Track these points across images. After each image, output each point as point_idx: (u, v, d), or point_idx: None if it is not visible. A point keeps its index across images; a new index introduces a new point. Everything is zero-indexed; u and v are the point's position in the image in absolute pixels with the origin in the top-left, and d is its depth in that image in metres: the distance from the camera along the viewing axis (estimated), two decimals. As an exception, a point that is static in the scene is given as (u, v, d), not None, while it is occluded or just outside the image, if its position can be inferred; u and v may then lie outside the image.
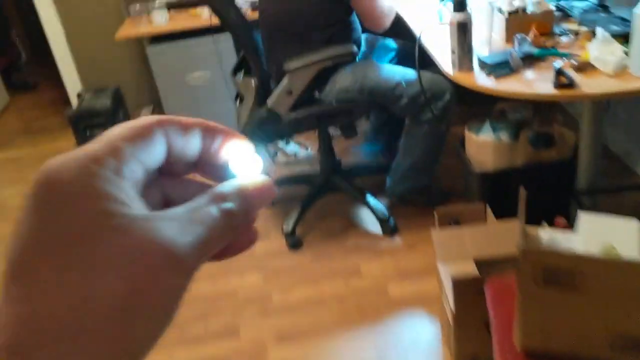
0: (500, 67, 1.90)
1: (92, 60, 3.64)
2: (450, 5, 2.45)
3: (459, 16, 1.87)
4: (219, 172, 0.32)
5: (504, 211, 2.12)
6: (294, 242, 2.56)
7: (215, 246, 0.28)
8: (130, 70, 3.63)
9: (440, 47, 2.19)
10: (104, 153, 0.26)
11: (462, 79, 1.92)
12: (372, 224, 2.59)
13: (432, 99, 2.37)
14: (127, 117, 3.71)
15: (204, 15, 3.06)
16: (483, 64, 1.93)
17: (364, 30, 2.52)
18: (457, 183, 2.77)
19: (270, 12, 2.42)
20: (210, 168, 0.32)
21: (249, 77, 2.39)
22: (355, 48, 2.36)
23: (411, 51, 2.87)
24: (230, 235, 0.29)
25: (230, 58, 3.07)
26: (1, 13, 5.11)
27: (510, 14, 2.07)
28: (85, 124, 3.47)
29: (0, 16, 5.08)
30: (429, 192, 2.67)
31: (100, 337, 0.24)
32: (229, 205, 0.29)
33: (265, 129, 2.40)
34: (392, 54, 2.76)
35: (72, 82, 3.74)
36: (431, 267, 2.30)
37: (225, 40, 3.06)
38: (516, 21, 2.08)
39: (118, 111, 3.69)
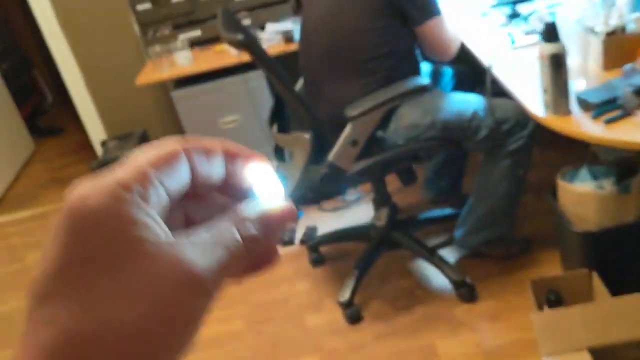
0: (608, 107, 1.49)
1: (114, 106, 3.35)
2: (523, 27, 2.05)
3: (551, 48, 1.47)
4: (242, 194, 0.32)
5: (614, 279, 1.71)
6: (353, 315, 2.18)
7: (235, 269, 0.29)
8: (155, 115, 3.32)
9: (515, 77, 1.80)
10: (132, 179, 0.27)
11: (560, 124, 1.52)
12: (444, 287, 2.20)
13: (515, 128, 1.98)
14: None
15: (231, 52, 2.72)
16: (585, 104, 1.52)
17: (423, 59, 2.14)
18: (535, 225, 2.35)
19: (321, 42, 2.04)
20: (233, 190, 0.32)
21: (299, 131, 2.01)
22: (428, 81, 1.98)
23: (469, 76, 2.49)
24: (251, 258, 0.29)
25: (263, 97, 2.72)
26: (24, 55, 4.89)
27: (607, 35, 1.66)
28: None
29: (23, 58, 4.86)
30: (509, 241, 2.26)
31: (119, 357, 0.24)
32: (250, 229, 0.29)
33: (322, 188, 2.03)
34: (453, 81, 2.37)
35: (96, 129, 3.46)
36: (524, 345, 1.90)
37: (257, 78, 2.71)
38: (615, 44, 1.66)
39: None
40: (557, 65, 1.47)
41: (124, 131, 3.32)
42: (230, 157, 0.31)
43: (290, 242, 2.65)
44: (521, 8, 2.13)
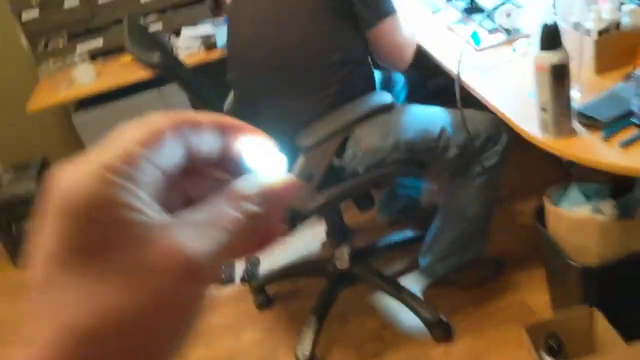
0: (619, 125, 1.23)
1: (5, 133, 2.84)
2: (485, 23, 1.78)
3: (552, 57, 1.19)
4: (241, 170, 0.30)
5: (618, 317, 1.47)
6: (317, 372, 1.86)
7: (237, 251, 0.27)
8: (57, 139, 2.84)
9: (487, 84, 1.53)
10: (118, 159, 0.25)
11: (565, 148, 1.25)
12: (414, 327, 1.91)
13: (488, 143, 1.71)
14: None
15: (143, 63, 2.30)
16: (590, 121, 1.25)
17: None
18: (505, 240, 2.12)
19: (257, 54, 1.68)
20: (231, 165, 0.30)
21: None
22: (390, 98, 1.67)
23: (422, 84, 2.21)
24: (253, 237, 0.28)
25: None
26: None
27: (600, 33, 1.40)
28: (9, 217, 2.68)
29: None
30: (480, 265, 2.00)
31: (119, 349, 0.24)
32: (250, 206, 0.27)
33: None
34: (405, 90, 2.07)
35: (-15, 160, 2.94)
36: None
37: (177, 93, 2.31)
38: (610, 43, 1.41)
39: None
40: (559, 77, 1.19)
41: (20, 161, 2.82)
42: (224, 130, 0.30)
43: (229, 280, 2.29)
44: (481, 1, 1.85)
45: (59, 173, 0.25)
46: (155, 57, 1.34)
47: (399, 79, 2.07)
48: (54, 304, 0.24)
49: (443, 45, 1.81)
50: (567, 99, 1.22)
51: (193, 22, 2.47)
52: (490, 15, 1.74)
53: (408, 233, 2.19)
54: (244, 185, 0.28)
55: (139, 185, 0.25)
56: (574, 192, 1.57)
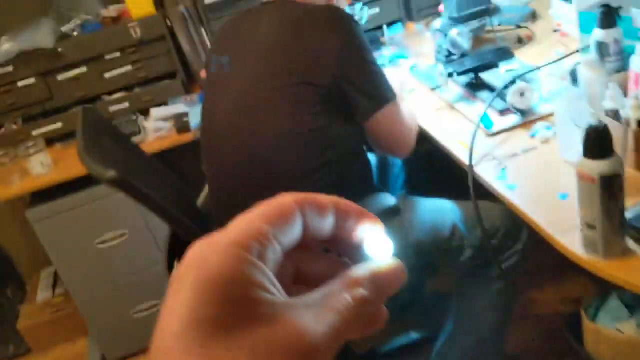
0: (685, 244, 1.00)
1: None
2: (497, 103, 1.56)
3: (602, 166, 0.96)
4: (350, 250, 0.32)
5: None
6: None
7: (347, 334, 0.28)
8: (11, 232, 2.55)
9: (505, 176, 1.31)
10: (250, 237, 0.27)
11: (619, 272, 1.01)
12: None
13: (506, 242, 1.49)
14: (22, 288, 2.63)
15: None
16: (647, 239, 1.02)
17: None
18: (527, 330, 1.86)
19: (233, 151, 1.44)
20: (341, 245, 0.32)
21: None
22: (394, 200, 1.43)
23: (423, 168, 1.98)
24: (363, 321, 0.29)
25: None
26: None
27: (640, 123, 1.19)
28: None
29: None
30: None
31: None
32: (362, 291, 0.28)
33: None
34: (403, 173, 1.85)
35: None
36: None
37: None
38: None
39: (7, 283, 2.61)
40: (612, 190, 0.96)
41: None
42: (343, 214, 0.31)
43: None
44: (488, 76, 1.65)
45: (196, 247, 0.27)
46: (109, 174, 1.09)
47: (396, 162, 1.85)
48: None
49: (447, 127, 1.59)
50: (621, 215, 0.99)
51: (163, 100, 2.23)
52: (500, 94, 1.53)
53: (413, 335, 1.93)
54: (356, 271, 0.29)
55: (268, 263, 0.27)
56: (614, 303, 1.33)
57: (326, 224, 0.30)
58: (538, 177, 1.30)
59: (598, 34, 1.42)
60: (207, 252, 0.26)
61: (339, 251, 0.32)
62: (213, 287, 0.25)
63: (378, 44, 2.17)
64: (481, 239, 1.47)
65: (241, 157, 1.41)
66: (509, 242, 1.52)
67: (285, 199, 0.29)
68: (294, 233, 0.29)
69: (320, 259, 0.32)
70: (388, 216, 1.36)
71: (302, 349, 0.25)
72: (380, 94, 1.38)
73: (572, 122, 1.26)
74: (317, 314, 0.26)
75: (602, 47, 1.42)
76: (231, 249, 0.26)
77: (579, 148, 1.20)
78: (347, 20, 1.36)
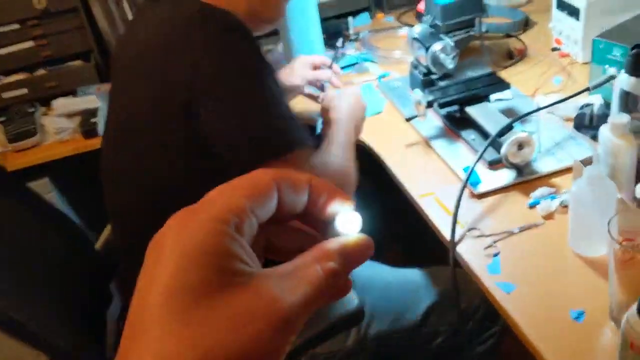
0: None
1: None
2: (487, 152, 1.23)
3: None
4: (320, 225, 0.33)
5: None
6: None
7: (318, 304, 0.28)
8: None
9: (497, 266, 1.01)
10: (229, 212, 0.28)
11: None
12: None
13: (484, 323, 1.22)
14: None
15: None
16: None
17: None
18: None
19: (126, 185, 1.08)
20: (312, 220, 0.33)
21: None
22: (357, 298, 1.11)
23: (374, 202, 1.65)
24: (332, 293, 0.29)
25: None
26: None
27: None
28: None
29: None
30: None
31: None
32: (332, 264, 0.29)
33: None
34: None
35: None
36: None
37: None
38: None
39: None
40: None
41: None
42: (316, 191, 0.32)
43: None
44: (476, 112, 1.31)
45: (174, 220, 0.27)
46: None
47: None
48: (159, 343, 0.24)
49: (421, 174, 1.27)
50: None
51: (71, 88, 1.80)
52: (494, 143, 1.20)
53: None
54: (327, 244, 0.30)
55: (245, 236, 0.28)
56: None
57: (300, 200, 0.32)
58: (542, 275, 0.99)
59: (625, 80, 1.10)
60: (187, 224, 0.27)
61: (310, 225, 0.33)
62: (194, 257, 0.25)
63: (341, 38, 1.80)
64: (456, 322, 1.18)
65: (132, 190, 1.05)
66: (486, 322, 1.24)
67: (263, 175, 0.30)
68: (269, 208, 0.30)
69: (290, 232, 0.34)
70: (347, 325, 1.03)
71: (280, 315, 0.26)
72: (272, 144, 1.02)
73: (590, 207, 0.96)
74: (291, 284, 0.27)
75: (628, 99, 1.11)
76: (211, 223, 0.27)
77: (598, 245, 0.91)
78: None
